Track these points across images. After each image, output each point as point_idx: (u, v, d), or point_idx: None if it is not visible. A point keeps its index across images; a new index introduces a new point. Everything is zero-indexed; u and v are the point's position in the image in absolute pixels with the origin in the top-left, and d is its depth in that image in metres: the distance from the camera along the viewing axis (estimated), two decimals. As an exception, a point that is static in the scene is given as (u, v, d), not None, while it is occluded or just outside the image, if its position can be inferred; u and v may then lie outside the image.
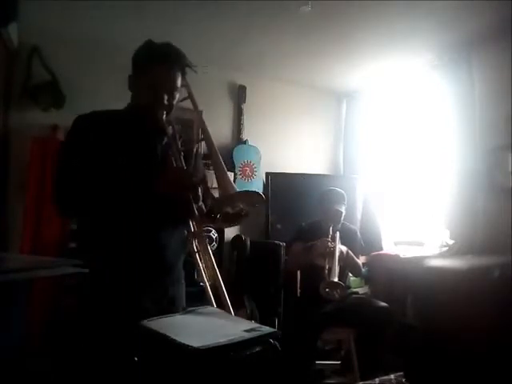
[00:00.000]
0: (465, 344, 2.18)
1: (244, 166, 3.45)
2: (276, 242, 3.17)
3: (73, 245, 2.63)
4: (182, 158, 1.31)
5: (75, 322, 1.30)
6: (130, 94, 1.38)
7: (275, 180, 3.48)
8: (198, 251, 1.30)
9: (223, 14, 2.62)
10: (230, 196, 1.23)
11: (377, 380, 2.26)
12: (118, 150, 1.25)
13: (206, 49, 3.12)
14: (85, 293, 1.30)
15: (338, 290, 2.33)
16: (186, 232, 1.36)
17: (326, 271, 2.37)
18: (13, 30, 2.51)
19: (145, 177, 1.22)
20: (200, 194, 1.27)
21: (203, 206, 1.32)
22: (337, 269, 2.36)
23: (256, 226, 3.50)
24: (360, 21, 2.70)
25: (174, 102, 1.32)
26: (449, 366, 2.21)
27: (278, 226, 3.41)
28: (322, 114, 4.13)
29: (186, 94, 1.42)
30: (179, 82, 1.32)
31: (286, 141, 3.85)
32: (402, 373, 2.38)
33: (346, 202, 2.70)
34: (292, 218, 3.23)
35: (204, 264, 1.29)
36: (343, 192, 2.72)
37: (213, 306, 1.23)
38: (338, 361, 2.74)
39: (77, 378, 1.29)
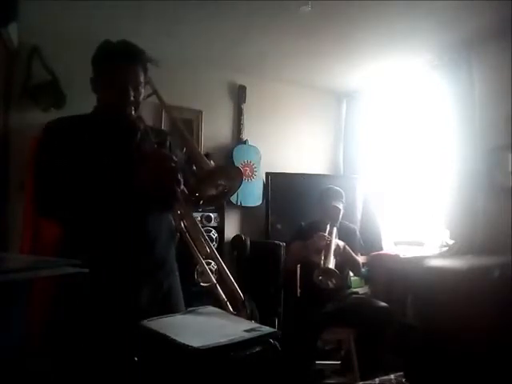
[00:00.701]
0: (465, 344, 2.18)
1: (244, 166, 3.45)
2: (276, 242, 3.17)
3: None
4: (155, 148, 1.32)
5: (73, 322, 1.30)
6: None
7: (275, 180, 3.48)
8: (187, 231, 1.30)
9: (223, 14, 2.62)
10: (207, 173, 1.22)
11: (377, 380, 2.27)
12: (93, 152, 1.25)
13: (206, 49, 3.13)
14: (79, 293, 1.29)
15: (333, 279, 2.30)
16: (173, 221, 1.37)
17: (322, 260, 2.35)
18: (13, 30, 2.51)
19: (124, 173, 1.22)
20: (180, 177, 1.26)
21: (185, 190, 1.31)
22: (332, 259, 2.34)
23: (256, 226, 3.50)
24: (360, 21, 2.70)
25: (140, 99, 1.33)
26: (449, 366, 2.21)
27: (278, 226, 3.41)
28: (322, 113, 4.13)
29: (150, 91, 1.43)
30: (142, 77, 1.33)
31: (286, 141, 3.85)
32: (401, 373, 2.38)
33: (344, 200, 2.70)
34: (292, 218, 3.23)
35: (194, 240, 1.27)
36: (341, 190, 2.73)
37: (211, 278, 1.22)
38: (338, 361, 2.74)
39: (77, 378, 1.29)
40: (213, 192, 1.26)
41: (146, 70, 1.34)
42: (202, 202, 1.28)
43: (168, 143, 1.46)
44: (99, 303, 1.24)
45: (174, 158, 1.24)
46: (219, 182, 1.25)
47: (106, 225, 1.26)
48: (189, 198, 1.28)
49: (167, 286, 1.37)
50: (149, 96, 1.40)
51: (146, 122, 1.37)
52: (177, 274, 1.44)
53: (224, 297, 1.19)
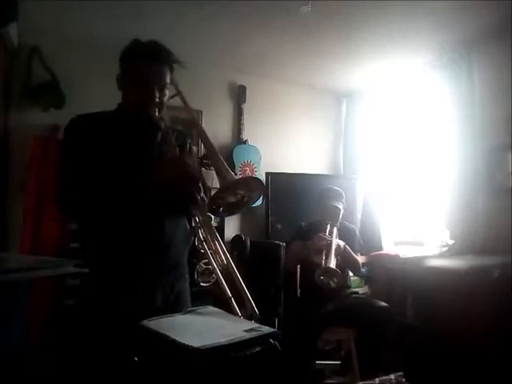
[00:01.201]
0: (465, 344, 2.18)
1: (244, 166, 3.45)
2: (276, 242, 3.17)
3: (73, 245, 2.63)
4: (177, 152, 1.32)
5: (80, 322, 1.31)
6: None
7: (275, 180, 3.48)
8: (205, 240, 1.31)
9: (223, 14, 2.62)
10: (229, 184, 1.23)
11: (377, 380, 2.27)
12: (114, 150, 1.25)
13: (206, 49, 3.13)
14: (89, 293, 1.30)
15: (335, 279, 2.29)
16: (188, 227, 1.38)
17: (323, 260, 2.35)
18: (13, 30, 2.51)
19: (143, 173, 1.23)
20: (201, 185, 1.27)
21: (205, 197, 1.33)
22: (333, 258, 2.34)
23: (256, 226, 3.50)
24: (360, 21, 2.70)
25: (165, 99, 1.33)
26: (449, 366, 2.21)
27: (278, 226, 3.41)
28: (322, 113, 4.13)
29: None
30: (168, 78, 1.33)
31: (286, 141, 3.85)
32: (401, 373, 2.39)
33: (344, 201, 2.70)
34: (292, 218, 3.23)
35: (213, 251, 1.28)
36: (341, 190, 2.72)
37: (226, 292, 1.21)
38: (338, 361, 2.73)
39: (77, 378, 1.29)
40: (232, 200, 1.26)
41: (172, 71, 1.35)
42: (221, 209, 1.28)
43: (188, 145, 1.47)
44: (106, 302, 1.24)
45: (197, 165, 1.25)
46: (239, 192, 1.25)
47: (122, 225, 1.26)
48: (209, 205, 1.28)
49: (178, 289, 1.37)
50: (173, 97, 1.39)
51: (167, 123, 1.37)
52: (187, 277, 1.45)
53: (238, 310, 1.18)
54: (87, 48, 2.95)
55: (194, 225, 1.35)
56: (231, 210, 1.30)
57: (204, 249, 1.30)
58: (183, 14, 2.63)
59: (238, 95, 3.60)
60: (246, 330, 0.94)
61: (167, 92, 1.34)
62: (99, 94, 2.93)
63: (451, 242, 3.01)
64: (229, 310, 1.17)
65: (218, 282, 1.22)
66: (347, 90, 4.07)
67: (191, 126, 1.50)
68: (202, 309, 1.17)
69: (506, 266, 2.15)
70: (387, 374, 2.37)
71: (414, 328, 2.55)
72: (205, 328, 1.02)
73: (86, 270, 1.14)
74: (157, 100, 1.30)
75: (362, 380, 2.37)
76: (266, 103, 3.76)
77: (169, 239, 1.33)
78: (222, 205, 1.26)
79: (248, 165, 3.49)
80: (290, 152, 3.85)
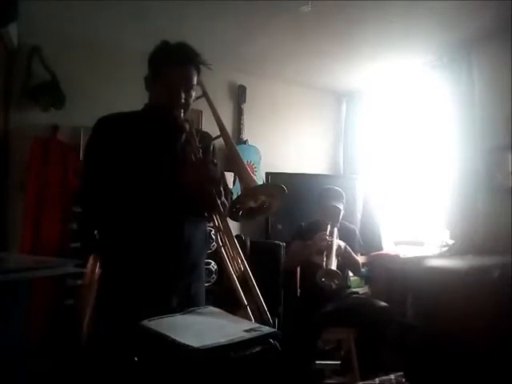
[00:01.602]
0: (465, 344, 2.18)
1: (244, 166, 3.45)
2: (276, 241, 3.17)
3: (73, 245, 2.63)
4: (200, 154, 1.33)
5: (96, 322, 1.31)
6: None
7: (275, 180, 3.47)
8: (223, 245, 1.31)
9: (223, 13, 2.62)
10: (251, 189, 1.23)
11: (377, 380, 2.27)
12: (138, 149, 1.27)
13: (206, 49, 3.10)
14: (107, 290, 1.31)
15: (336, 280, 2.30)
16: (208, 229, 1.41)
17: (324, 262, 2.36)
18: (13, 30, 2.51)
19: (166, 175, 1.25)
20: (221, 188, 1.29)
21: (226, 201, 1.34)
22: (334, 259, 2.35)
23: (256, 226, 3.50)
24: (360, 21, 2.70)
25: (191, 101, 1.35)
26: (448, 366, 2.21)
27: (279, 226, 3.41)
28: (322, 113, 4.13)
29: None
30: (195, 80, 1.35)
31: (286, 141, 3.85)
32: (401, 373, 2.38)
33: (344, 201, 2.70)
34: (292, 218, 3.23)
35: (231, 257, 1.28)
36: (341, 190, 2.72)
37: (241, 298, 1.21)
38: (338, 361, 2.74)
39: (77, 378, 1.29)
40: (252, 205, 1.27)
41: (199, 73, 1.37)
42: (241, 213, 1.29)
43: (212, 147, 1.48)
44: (123, 300, 1.25)
45: (220, 169, 1.25)
46: (260, 198, 1.26)
47: (143, 224, 1.27)
48: (229, 209, 1.29)
49: (194, 291, 1.38)
50: (198, 98, 1.42)
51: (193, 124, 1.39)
52: (204, 279, 1.46)
53: (252, 317, 1.18)
54: (87, 48, 2.95)
55: (213, 230, 1.35)
56: (250, 215, 1.31)
57: (222, 253, 1.30)
58: (183, 15, 2.63)
59: (238, 95, 3.60)
60: (245, 330, 0.94)
61: (193, 93, 1.36)
62: (99, 94, 2.94)
63: (451, 242, 3.01)
64: (232, 312, 1.17)
65: (234, 289, 1.22)
66: (347, 90, 4.07)
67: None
68: (202, 309, 1.17)
69: (506, 266, 2.15)
70: (387, 373, 2.37)
71: (414, 328, 2.55)
72: (205, 328, 1.02)
73: (86, 270, 1.14)
74: (182, 101, 1.31)
75: (362, 380, 2.37)
76: (265, 103, 3.76)
77: (188, 240, 1.34)
78: (242, 209, 1.27)
79: (248, 165, 3.49)
80: (290, 152, 3.85)
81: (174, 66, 1.30)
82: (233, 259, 1.28)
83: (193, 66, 1.33)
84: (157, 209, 1.25)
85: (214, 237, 3.09)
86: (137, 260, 1.27)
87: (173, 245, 1.30)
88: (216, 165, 1.32)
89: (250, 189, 1.23)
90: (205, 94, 1.41)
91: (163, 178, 1.24)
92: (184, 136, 1.36)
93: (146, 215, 1.25)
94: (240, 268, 1.26)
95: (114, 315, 1.25)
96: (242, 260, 1.27)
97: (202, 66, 1.38)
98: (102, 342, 1.25)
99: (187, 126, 1.36)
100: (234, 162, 1.32)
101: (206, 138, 1.46)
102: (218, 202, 1.27)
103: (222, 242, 1.32)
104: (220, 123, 1.39)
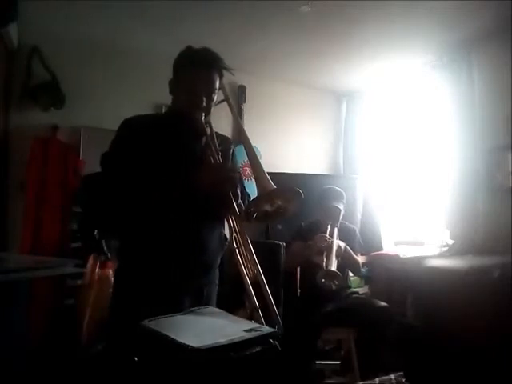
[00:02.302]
0: (465, 344, 2.18)
1: (244, 166, 3.44)
2: (276, 241, 3.17)
3: (73, 245, 2.64)
4: (219, 157, 1.35)
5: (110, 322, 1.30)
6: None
7: (275, 180, 3.46)
8: (238, 247, 1.31)
9: (223, 14, 2.62)
10: (268, 193, 1.24)
11: (377, 380, 2.26)
12: (159, 152, 1.29)
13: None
14: (122, 290, 1.32)
15: (336, 281, 2.30)
16: (223, 232, 1.42)
17: (324, 262, 2.36)
18: (13, 30, 2.51)
19: (185, 176, 1.26)
20: (238, 191, 1.30)
21: (242, 204, 1.35)
22: (334, 260, 2.35)
23: (256, 226, 3.50)
24: (360, 21, 2.70)
25: (212, 104, 1.37)
26: (449, 366, 2.21)
27: (278, 226, 3.41)
28: (322, 113, 4.13)
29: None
30: (217, 84, 1.37)
31: (286, 141, 3.85)
32: (401, 373, 2.38)
33: (344, 201, 2.70)
34: (292, 218, 3.21)
35: (245, 260, 1.29)
36: (342, 191, 2.72)
37: (253, 301, 1.21)
38: (338, 361, 2.73)
39: (77, 378, 1.29)
40: (268, 209, 1.28)
41: (221, 77, 1.39)
42: (254, 216, 1.30)
43: (231, 151, 1.52)
44: (136, 300, 1.25)
45: (237, 171, 1.27)
46: (276, 201, 1.28)
47: (159, 225, 1.28)
48: (246, 212, 1.30)
49: (207, 293, 1.39)
50: (220, 102, 1.45)
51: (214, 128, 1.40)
52: (217, 282, 1.46)
53: (263, 321, 1.18)
54: (87, 48, 2.95)
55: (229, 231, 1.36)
56: (265, 218, 1.32)
57: (236, 256, 1.30)
58: (183, 15, 2.63)
59: (238, 95, 3.60)
60: (245, 330, 0.94)
61: (215, 97, 1.38)
62: (99, 94, 2.94)
63: (451, 242, 3.01)
64: (232, 312, 1.17)
65: (246, 292, 1.23)
66: (347, 90, 4.07)
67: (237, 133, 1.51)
68: (202, 309, 1.17)
69: (506, 265, 2.15)
70: (387, 373, 2.36)
71: (414, 328, 2.55)
72: (205, 328, 1.01)
73: (86, 270, 1.13)
74: (204, 105, 1.33)
75: (362, 380, 2.36)
76: (266, 103, 3.76)
77: (203, 243, 1.35)
78: (257, 212, 1.28)
79: (248, 165, 3.48)
80: (290, 152, 3.85)
81: (196, 69, 1.33)
82: (246, 262, 1.29)
83: (215, 70, 1.36)
84: (175, 211, 1.27)
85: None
86: (152, 261, 1.28)
87: (188, 246, 1.32)
88: (234, 167, 1.32)
89: (266, 193, 1.25)
90: (227, 100, 1.43)
91: (182, 180, 1.25)
92: (204, 139, 1.38)
93: (164, 217, 1.27)
94: (253, 271, 1.27)
95: (127, 316, 1.24)
96: (254, 262, 1.28)
97: (224, 71, 1.40)
98: (114, 342, 1.26)
99: (208, 130, 1.37)
100: (252, 166, 1.34)
101: (225, 142, 1.50)
102: (235, 204, 1.28)
103: (236, 244, 1.32)
104: (240, 127, 1.41)
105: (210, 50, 1.37)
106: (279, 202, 1.28)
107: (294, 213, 1.32)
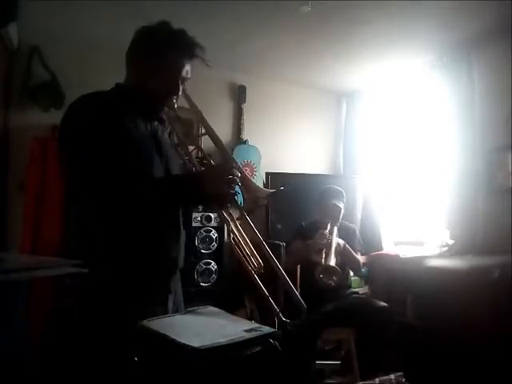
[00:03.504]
0: (465, 344, 2.18)
1: (244, 166, 3.45)
2: (276, 241, 3.17)
3: (73, 245, 2.63)
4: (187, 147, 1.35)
5: (78, 322, 1.29)
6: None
7: (275, 180, 3.48)
8: (236, 244, 1.31)
9: (223, 13, 2.62)
10: (262, 198, 1.25)
11: (377, 380, 2.26)
12: (132, 141, 1.21)
13: (205, 49, 3.12)
14: (91, 293, 1.27)
15: (334, 277, 2.29)
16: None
17: (323, 259, 2.35)
18: (13, 30, 2.51)
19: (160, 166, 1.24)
20: (234, 189, 1.27)
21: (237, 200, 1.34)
22: (333, 257, 2.34)
23: (256, 225, 3.49)
24: (360, 21, 2.70)
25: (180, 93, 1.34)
26: (449, 366, 2.21)
27: (278, 226, 3.41)
28: (322, 113, 4.13)
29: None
30: (190, 73, 1.34)
31: (286, 141, 3.85)
32: (401, 373, 2.38)
33: (344, 200, 2.70)
34: (292, 218, 3.23)
35: (247, 255, 1.29)
36: (341, 189, 2.73)
37: (265, 294, 1.22)
38: (338, 361, 2.73)
39: (77, 378, 1.29)
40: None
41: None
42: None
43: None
44: (107, 303, 1.22)
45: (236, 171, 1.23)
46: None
47: (129, 223, 1.22)
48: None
49: (180, 291, 1.40)
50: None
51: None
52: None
53: (276, 307, 1.19)
54: (87, 48, 2.95)
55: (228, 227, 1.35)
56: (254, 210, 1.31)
57: (236, 252, 1.30)
58: (183, 15, 2.63)
59: (238, 95, 3.60)
60: (245, 330, 0.94)
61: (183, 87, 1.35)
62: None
63: (451, 241, 3.01)
64: (232, 312, 1.17)
65: (255, 285, 1.25)
66: (347, 90, 4.07)
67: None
68: (202, 309, 1.17)
69: (506, 265, 2.15)
70: (387, 373, 2.36)
71: (414, 328, 2.54)
72: (205, 328, 1.01)
73: (86, 270, 1.12)
74: (179, 93, 1.30)
75: (362, 380, 2.36)
76: (265, 103, 3.76)
77: (181, 239, 1.34)
78: (250, 211, 1.32)
79: (248, 165, 3.49)
80: (290, 152, 3.85)
81: (182, 56, 1.27)
82: (249, 256, 1.28)
83: (194, 58, 1.31)
84: (153, 206, 1.22)
85: (213, 237, 3.10)
86: (134, 261, 1.23)
87: (171, 244, 1.30)
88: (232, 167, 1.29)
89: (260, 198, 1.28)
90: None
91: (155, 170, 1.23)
92: (169, 126, 1.38)
93: (132, 215, 1.21)
94: (259, 263, 1.27)
95: (98, 317, 1.23)
96: (255, 256, 1.28)
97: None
98: (102, 341, 1.24)
99: (174, 117, 1.37)
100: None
101: (187, 124, 1.47)
102: (237, 200, 1.28)
103: (235, 241, 1.31)
104: (205, 123, 1.39)
105: (189, 36, 1.31)
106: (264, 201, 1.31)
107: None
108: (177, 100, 1.32)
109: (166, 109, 1.33)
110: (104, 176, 1.13)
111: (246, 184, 1.26)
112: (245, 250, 1.30)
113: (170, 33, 1.30)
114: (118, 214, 1.20)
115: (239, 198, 1.36)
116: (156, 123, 1.36)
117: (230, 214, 1.32)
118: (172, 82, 1.27)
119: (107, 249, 1.22)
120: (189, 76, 1.32)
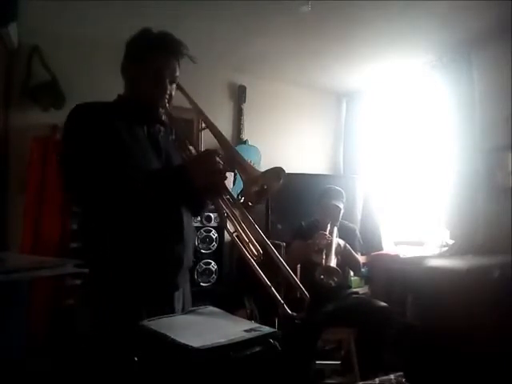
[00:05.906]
0: (465, 344, 2.18)
1: (244, 166, 3.45)
2: (276, 241, 3.17)
3: (74, 245, 2.63)
4: (186, 146, 1.34)
5: (81, 325, 1.28)
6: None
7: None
8: (240, 233, 1.29)
9: (223, 14, 2.62)
10: (256, 178, 1.22)
11: (377, 380, 2.26)
12: (126, 145, 1.23)
13: (205, 49, 3.12)
14: (94, 293, 1.26)
15: (335, 278, 2.28)
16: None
17: (323, 260, 2.35)
18: (13, 30, 2.51)
19: (149, 168, 1.23)
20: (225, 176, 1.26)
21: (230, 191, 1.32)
22: (333, 257, 2.34)
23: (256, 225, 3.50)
24: (360, 21, 2.70)
25: (173, 93, 1.34)
26: (449, 366, 2.21)
27: (278, 226, 3.41)
28: (322, 113, 4.13)
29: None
30: (178, 72, 1.33)
31: (286, 141, 3.85)
32: (401, 373, 2.38)
33: (344, 200, 2.70)
34: (292, 218, 3.22)
35: (245, 242, 1.27)
36: (341, 190, 2.73)
37: (267, 284, 1.22)
38: (338, 361, 2.73)
39: (77, 378, 1.28)
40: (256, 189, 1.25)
41: (179, 64, 1.34)
42: (238, 203, 1.28)
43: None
44: (131, 305, 1.19)
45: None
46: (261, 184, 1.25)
47: (142, 224, 1.22)
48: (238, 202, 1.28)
49: (187, 290, 1.39)
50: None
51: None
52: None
53: (280, 299, 1.19)
54: (87, 48, 2.95)
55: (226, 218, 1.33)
56: (256, 199, 1.28)
57: (236, 242, 1.28)
58: (183, 14, 2.63)
59: (238, 95, 3.60)
60: (245, 330, 0.94)
61: (174, 86, 1.35)
62: (99, 94, 2.94)
63: (451, 241, 3.01)
64: (232, 312, 1.17)
65: (255, 274, 1.22)
66: (347, 90, 4.07)
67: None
68: (202, 309, 1.17)
69: (506, 265, 2.16)
70: (387, 374, 2.36)
71: (414, 328, 2.55)
72: (205, 328, 1.02)
73: (86, 271, 1.12)
74: (168, 92, 1.30)
75: (362, 380, 2.36)
76: (265, 103, 3.76)
77: (187, 238, 1.33)
78: (251, 200, 1.25)
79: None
80: (290, 152, 3.85)
81: (164, 56, 1.28)
82: (247, 244, 1.26)
83: (179, 58, 1.32)
84: (154, 206, 1.22)
85: (213, 237, 3.10)
86: (138, 262, 1.22)
87: (174, 243, 1.29)
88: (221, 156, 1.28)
89: (254, 178, 1.22)
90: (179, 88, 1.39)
91: (146, 171, 1.21)
92: (162, 129, 1.37)
93: (135, 216, 1.20)
94: (258, 251, 1.25)
95: (115, 314, 1.22)
96: (254, 244, 1.26)
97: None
98: (102, 341, 1.24)
99: (167, 118, 1.35)
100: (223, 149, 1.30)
101: (182, 128, 1.45)
102: (229, 190, 1.26)
103: (235, 230, 1.30)
104: (205, 118, 1.37)
105: (171, 34, 1.31)
106: (264, 186, 1.25)
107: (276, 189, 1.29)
108: (170, 100, 1.32)
109: (162, 110, 1.32)
110: (95, 178, 1.15)
111: (242, 167, 1.24)
112: (242, 236, 1.28)
113: (152, 36, 1.31)
114: (113, 212, 1.21)
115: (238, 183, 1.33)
116: (158, 126, 1.36)
117: (224, 201, 1.29)
118: (158, 81, 1.28)
119: (107, 249, 1.22)
120: (176, 74, 1.32)
